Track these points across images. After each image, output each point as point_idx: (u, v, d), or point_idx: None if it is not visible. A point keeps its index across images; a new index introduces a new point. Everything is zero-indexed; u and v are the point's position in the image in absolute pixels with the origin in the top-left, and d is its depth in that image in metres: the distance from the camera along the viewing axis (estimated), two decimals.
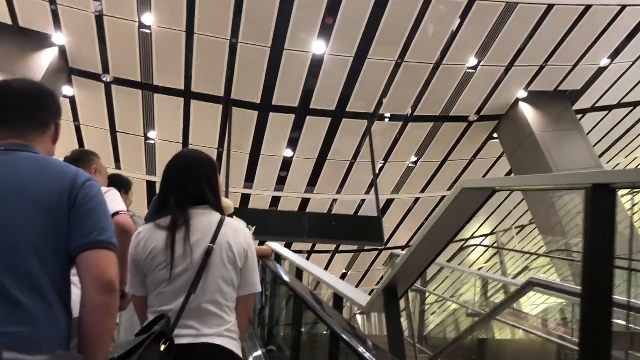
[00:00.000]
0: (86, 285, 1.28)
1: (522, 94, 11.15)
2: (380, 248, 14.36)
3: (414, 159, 12.90)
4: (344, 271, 17.74)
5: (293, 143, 11.95)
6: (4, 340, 1.12)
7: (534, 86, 10.96)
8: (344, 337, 2.06)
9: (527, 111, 11.16)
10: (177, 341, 1.68)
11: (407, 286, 2.59)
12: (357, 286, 16.40)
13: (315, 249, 16.14)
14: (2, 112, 1.44)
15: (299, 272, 4.85)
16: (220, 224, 1.91)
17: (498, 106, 11.41)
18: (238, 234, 1.94)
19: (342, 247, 16.03)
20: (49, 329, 1.21)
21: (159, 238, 1.85)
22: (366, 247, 15.25)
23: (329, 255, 16.66)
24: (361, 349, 1.84)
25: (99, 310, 1.27)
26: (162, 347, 1.60)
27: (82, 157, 2.71)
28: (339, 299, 3.36)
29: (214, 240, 1.85)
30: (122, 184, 3.25)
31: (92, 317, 1.27)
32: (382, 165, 12.84)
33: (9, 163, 1.33)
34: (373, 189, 13.43)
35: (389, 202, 14.17)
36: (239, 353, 1.85)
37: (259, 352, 4.52)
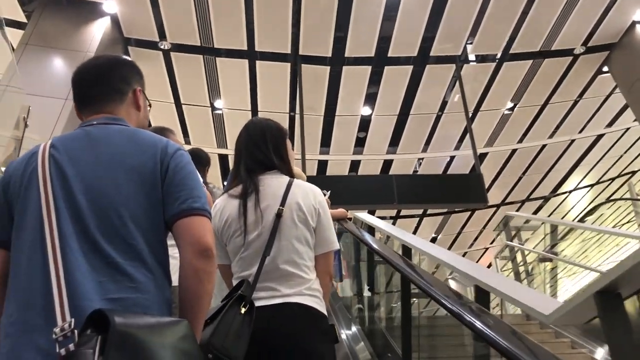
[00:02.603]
0: (184, 251, 1.31)
1: None
2: (474, 209, 13.21)
3: (509, 104, 11.61)
4: (434, 235, 16.76)
5: (371, 99, 11.06)
6: (114, 305, 1.18)
7: None
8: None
9: None
10: (257, 303, 1.73)
11: None
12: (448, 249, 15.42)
13: (400, 213, 15.24)
14: (87, 90, 1.52)
15: (405, 250, 3.96)
16: (289, 186, 1.97)
17: (609, 33, 9.93)
18: (307, 193, 2.00)
19: (429, 210, 15.01)
20: (152, 295, 1.26)
21: (233, 207, 1.96)
22: (456, 209, 14.16)
23: (416, 219, 15.71)
24: None
25: (198, 275, 1.30)
26: (243, 310, 1.64)
27: (158, 133, 2.47)
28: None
29: (283, 202, 1.92)
30: (201, 159, 3.34)
31: (191, 281, 1.30)
32: (471, 114, 11.61)
33: (104, 137, 1.39)
34: (463, 144, 12.35)
35: (482, 157, 12.93)
36: (322, 310, 1.89)
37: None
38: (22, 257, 1.26)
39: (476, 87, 10.92)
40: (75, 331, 1.07)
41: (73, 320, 1.09)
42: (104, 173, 1.32)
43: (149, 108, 1.65)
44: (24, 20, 8.35)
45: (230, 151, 12.08)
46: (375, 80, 10.47)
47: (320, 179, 10.69)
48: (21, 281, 1.23)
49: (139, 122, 1.57)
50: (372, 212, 10.15)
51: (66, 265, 1.19)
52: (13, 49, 8.00)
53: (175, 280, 1.35)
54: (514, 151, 13.11)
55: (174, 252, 1.35)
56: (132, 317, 1.12)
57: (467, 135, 11.16)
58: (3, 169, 4.08)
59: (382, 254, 3.49)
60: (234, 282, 1.87)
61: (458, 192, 9.14)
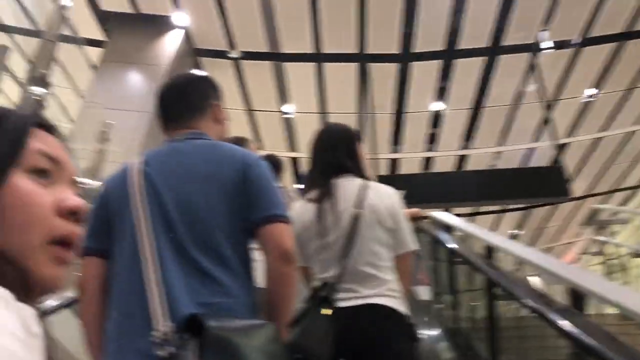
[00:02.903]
0: (268, 257, 1.39)
1: None
2: (555, 202, 12.55)
3: (591, 91, 10.96)
4: (514, 231, 16.15)
5: (442, 93, 10.81)
6: (206, 309, 1.24)
7: None
8: None
9: None
10: (340, 304, 1.78)
11: None
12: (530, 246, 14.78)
13: (478, 210, 14.75)
14: (170, 108, 1.63)
15: (488, 250, 3.78)
16: (364, 189, 2.00)
17: None
18: (382, 195, 2.02)
19: (508, 206, 14.43)
20: (239, 298, 1.34)
21: (310, 211, 2.01)
22: (537, 203, 13.53)
23: (494, 216, 15.17)
24: None
25: (282, 279, 1.38)
26: (326, 311, 1.69)
27: (237, 143, 2.75)
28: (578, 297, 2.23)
29: (359, 205, 1.95)
30: (276, 165, 3.36)
31: (277, 285, 1.38)
32: (550, 104, 11.05)
33: (189, 151, 1.49)
34: (542, 135, 11.80)
35: (563, 148, 12.28)
36: (403, 310, 1.90)
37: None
38: (122, 266, 1.36)
39: (554, 75, 10.40)
40: (173, 335, 1.16)
41: (170, 324, 1.18)
42: (191, 185, 1.41)
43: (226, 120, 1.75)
44: (103, 38, 8.79)
45: (300, 154, 12.21)
46: (445, 73, 10.23)
47: (392, 178, 10.55)
48: (122, 289, 1.34)
49: (219, 134, 1.64)
50: (447, 211, 9.91)
51: (162, 273, 1.28)
52: (95, 67, 8.47)
53: (257, 282, 1.43)
54: (598, 140, 12.41)
55: (255, 256, 1.44)
56: (224, 321, 1.18)
57: (546, 126, 10.66)
58: (87, 180, 4.27)
59: (462, 255, 3.36)
60: (314, 284, 1.93)
61: (539, 185, 8.70)
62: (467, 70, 10.15)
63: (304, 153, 12.19)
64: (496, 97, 10.85)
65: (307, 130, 11.82)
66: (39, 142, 0.59)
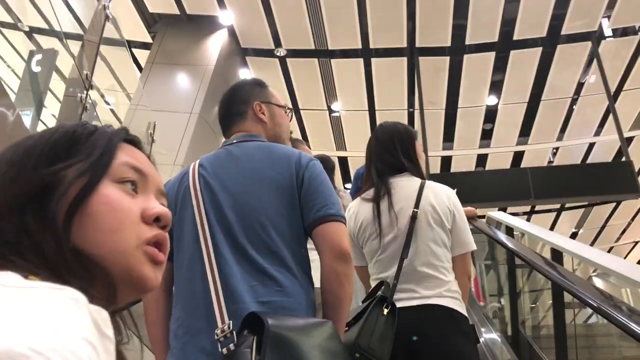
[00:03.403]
0: (324, 256, 1.41)
1: None
2: (624, 199, 11.87)
3: None
4: (574, 230, 15.44)
5: (496, 87, 10.41)
6: (264, 308, 1.30)
7: None
8: None
9: None
10: (399, 304, 1.77)
11: None
12: (591, 245, 14.09)
13: (535, 208, 14.18)
14: (221, 117, 1.75)
15: (554, 253, 3.50)
16: (422, 188, 2.00)
17: None
18: (441, 195, 2.01)
19: (568, 204, 13.81)
20: (297, 297, 1.37)
21: (366, 210, 2.04)
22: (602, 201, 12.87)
23: (553, 214, 14.55)
24: None
25: (338, 278, 1.39)
26: (385, 311, 1.68)
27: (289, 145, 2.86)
28: None
29: (417, 204, 1.95)
30: (328, 165, 3.32)
31: (332, 284, 1.39)
32: (613, 95, 10.47)
33: (243, 154, 1.55)
34: (604, 129, 11.21)
35: (628, 142, 11.62)
36: (462, 311, 1.88)
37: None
38: (183, 267, 1.42)
39: (617, 64, 9.88)
40: (234, 332, 1.21)
41: (231, 322, 1.24)
42: (246, 187, 1.47)
43: (288, 114, 1.84)
44: (150, 40, 8.88)
45: (349, 153, 12.10)
46: (500, 66, 9.85)
47: (445, 176, 10.28)
48: (184, 289, 1.41)
49: (269, 132, 1.70)
50: (503, 209, 9.52)
51: (221, 273, 1.34)
52: (141, 69, 8.54)
53: (315, 282, 1.47)
54: None
55: (312, 255, 1.47)
56: (283, 319, 1.19)
57: (608, 120, 10.09)
58: None
59: (525, 258, 3.11)
60: (372, 284, 1.95)
61: (604, 182, 8.30)
62: (523, 62, 9.76)
63: (352, 152, 12.05)
64: (554, 89, 10.38)
65: (355, 129, 11.70)
66: (125, 155, 0.64)
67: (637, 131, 11.42)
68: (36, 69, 4.56)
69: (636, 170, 12.21)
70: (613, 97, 10.01)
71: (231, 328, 1.22)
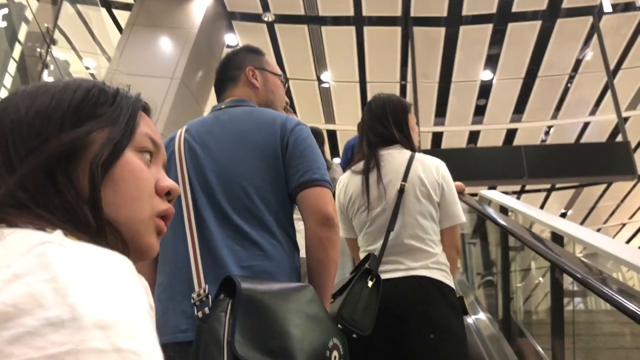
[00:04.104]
0: (308, 221, 1.41)
1: None
2: (621, 180, 11.84)
3: None
4: (563, 211, 15.49)
5: (492, 61, 10.28)
6: (246, 272, 1.32)
7: None
8: None
9: None
10: (384, 276, 1.80)
11: None
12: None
13: (525, 188, 14.15)
14: (215, 83, 1.76)
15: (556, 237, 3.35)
16: (411, 161, 2.01)
17: None
18: (430, 167, 2.03)
19: (558, 184, 13.79)
20: (279, 262, 1.37)
21: (356, 183, 2.08)
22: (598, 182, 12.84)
23: (543, 194, 14.51)
24: None
25: (322, 243, 1.39)
26: (370, 283, 1.70)
27: None
28: None
29: (405, 177, 1.97)
30: (317, 136, 3.26)
31: (316, 249, 1.40)
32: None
33: (229, 119, 1.55)
34: (600, 108, 11.07)
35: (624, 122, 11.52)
36: (449, 283, 1.91)
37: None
38: (167, 232, 1.16)
39: (618, 41, 9.75)
40: (209, 296, 1.22)
41: (207, 286, 1.25)
42: (230, 152, 1.47)
43: (282, 81, 1.78)
44: (132, 1, 8.46)
45: (338, 126, 11.93)
46: (497, 39, 9.72)
47: (435, 153, 10.05)
48: (168, 253, 1.40)
49: (261, 98, 1.68)
50: (492, 188, 9.39)
51: (203, 238, 1.36)
52: (121, 31, 8.13)
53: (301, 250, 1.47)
54: None
55: (299, 225, 1.45)
56: (258, 283, 1.21)
57: (604, 100, 9.93)
58: None
59: (522, 238, 3.01)
60: (361, 256, 1.99)
61: (600, 163, 8.21)
62: (520, 36, 9.62)
63: (341, 125, 11.80)
64: (552, 65, 10.27)
65: (345, 101, 11.42)
66: (144, 125, 0.66)
67: (633, 111, 11.29)
68: (2, 23, 4.24)
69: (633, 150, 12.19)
70: (611, 75, 9.85)
71: (207, 292, 1.23)
